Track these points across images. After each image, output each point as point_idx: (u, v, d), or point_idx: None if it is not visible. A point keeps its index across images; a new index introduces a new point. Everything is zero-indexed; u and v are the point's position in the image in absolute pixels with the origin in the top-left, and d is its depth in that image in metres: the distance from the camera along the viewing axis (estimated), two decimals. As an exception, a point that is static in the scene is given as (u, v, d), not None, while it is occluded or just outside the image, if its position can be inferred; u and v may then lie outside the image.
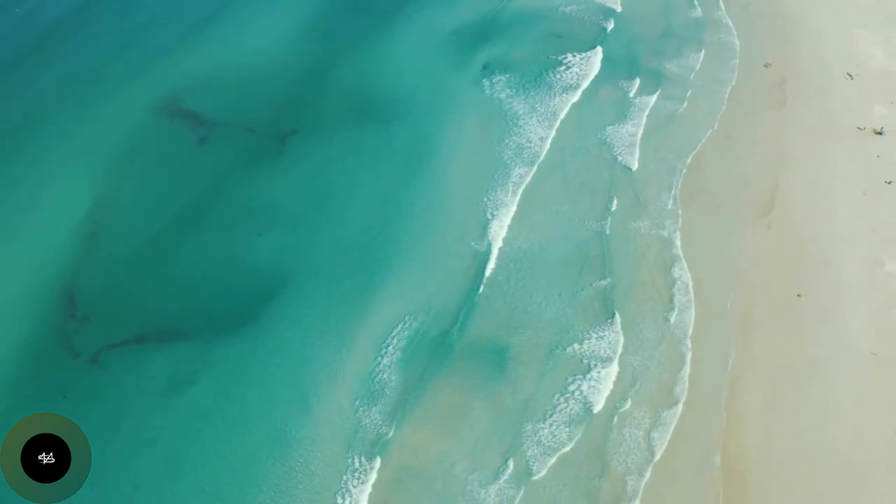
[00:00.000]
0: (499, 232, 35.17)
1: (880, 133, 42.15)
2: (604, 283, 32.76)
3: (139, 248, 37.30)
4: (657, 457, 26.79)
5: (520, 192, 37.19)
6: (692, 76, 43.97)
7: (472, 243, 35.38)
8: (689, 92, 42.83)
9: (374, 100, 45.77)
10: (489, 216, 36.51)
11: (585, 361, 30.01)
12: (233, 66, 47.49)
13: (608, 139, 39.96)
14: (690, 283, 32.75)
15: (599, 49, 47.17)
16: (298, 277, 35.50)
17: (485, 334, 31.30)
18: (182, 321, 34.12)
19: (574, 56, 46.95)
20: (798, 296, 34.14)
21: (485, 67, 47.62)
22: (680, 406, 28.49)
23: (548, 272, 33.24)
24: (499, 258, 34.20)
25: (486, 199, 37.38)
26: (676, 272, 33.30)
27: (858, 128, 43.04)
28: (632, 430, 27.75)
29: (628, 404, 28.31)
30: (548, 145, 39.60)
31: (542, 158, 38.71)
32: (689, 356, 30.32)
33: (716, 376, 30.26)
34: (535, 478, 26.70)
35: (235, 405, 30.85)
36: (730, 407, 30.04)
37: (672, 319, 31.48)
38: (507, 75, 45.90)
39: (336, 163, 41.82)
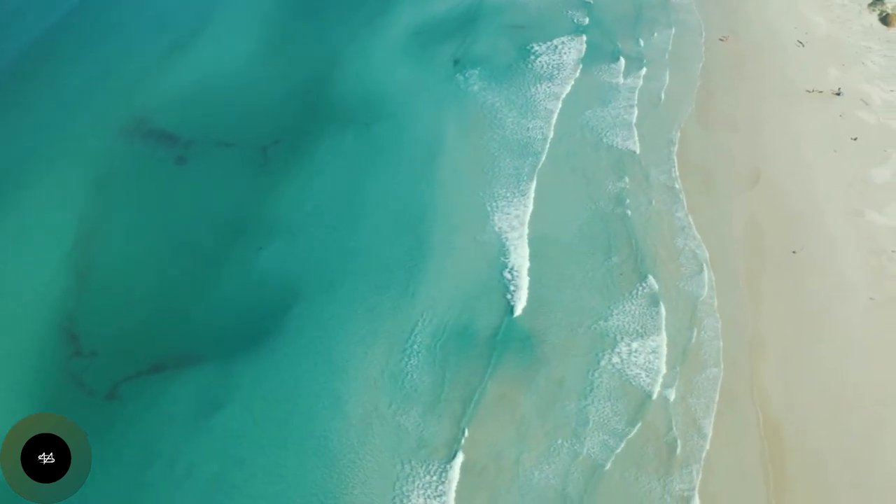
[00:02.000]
0: (520, 223, 35.41)
1: (838, 94, 44.72)
2: (635, 260, 33.74)
3: (134, 275, 35.93)
4: (712, 418, 28.00)
5: (533, 181, 37.58)
6: (666, 56, 45.69)
7: (491, 236, 35.50)
8: (667, 72, 44.60)
9: (350, 104, 45.33)
10: (502, 209, 36.69)
11: (636, 335, 31.01)
12: (198, 82, 46.18)
13: (605, 124, 40.95)
14: (707, 254, 34.35)
15: (583, 37, 48.05)
16: (310, 287, 34.84)
17: (521, 325, 31.61)
18: (197, 345, 33.02)
19: (542, 45, 47.76)
20: (793, 252, 35.92)
21: (456, 63, 47.89)
22: (720, 368, 29.87)
23: (579, 257, 33.94)
24: (524, 248, 34.55)
25: (494, 193, 37.55)
26: (692, 244, 34.76)
27: (807, 90, 45.55)
28: (688, 392, 29.10)
29: (678, 370, 29.55)
30: (550, 134, 40.15)
31: (547, 147, 39.26)
32: (718, 323, 31.77)
33: (738, 336, 31.65)
34: (607, 467, 27.21)
35: (270, 423, 30.07)
36: (755, 364, 31.34)
37: (696, 288, 32.89)
38: (481, 69, 46.15)
39: (325, 169, 41.21)
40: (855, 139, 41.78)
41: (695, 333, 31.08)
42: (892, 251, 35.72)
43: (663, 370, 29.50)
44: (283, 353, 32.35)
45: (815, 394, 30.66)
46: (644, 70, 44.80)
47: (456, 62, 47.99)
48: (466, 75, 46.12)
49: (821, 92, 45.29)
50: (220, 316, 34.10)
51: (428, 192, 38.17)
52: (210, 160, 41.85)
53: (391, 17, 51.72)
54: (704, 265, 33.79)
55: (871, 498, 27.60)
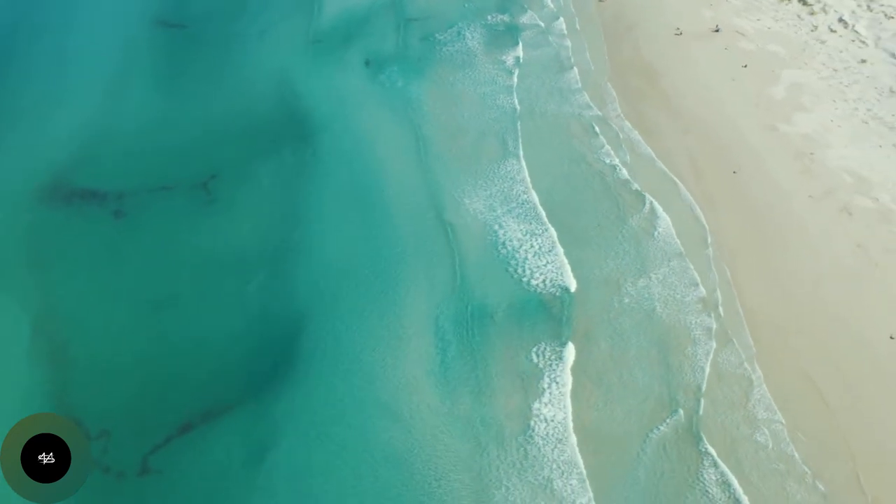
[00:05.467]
0: (525, 192, 36.52)
1: (717, 30, 49.78)
2: (642, 203, 36.82)
3: (118, 342, 33.10)
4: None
5: (522, 162, 38.67)
6: (577, 24, 48.95)
7: (495, 217, 36.37)
8: (585, 42, 47.81)
9: (277, 124, 44.08)
10: (498, 191, 37.62)
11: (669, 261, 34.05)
12: (108, 133, 42.92)
13: (558, 93, 43.22)
14: (681, 181, 38.08)
15: (490, 17, 49.89)
16: (312, 306, 33.92)
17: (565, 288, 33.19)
18: (219, 394, 31.14)
19: (446, 33, 49.07)
20: (734, 172, 39.90)
21: (368, 64, 47.81)
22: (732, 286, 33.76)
23: (594, 212, 36.08)
24: (541, 220, 35.96)
25: (478, 180, 38.27)
26: (667, 178, 38.55)
27: (675, 34, 50.34)
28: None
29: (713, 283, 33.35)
30: (516, 111, 41.76)
31: (519, 123, 40.83)
32: (712, 241, 35.51)
33: (717, 253, 35.35)
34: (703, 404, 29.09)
35: (327, 448, 29.14)
36: (733, 272, 34.83)
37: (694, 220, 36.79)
38: (399, 66, 46.59)
39: (276, 190, 39.91)
40: (745, 66, 46.80)
41: (711, 251, 34.65)
42: (811, 153, 40.67)
43: (703, 292, 32.61)
44: (313, 377, 31.38)
45: (786, 285, 34.32)
46: (568, 41, 47.62)
47: (367, 63, 48.03)
48: (387, 74, 46.31)
49: (680, 34, 50.15)
50: (231, 358, 32.32)
51: (393, 190, 38.25)
52: (151, 208, 39.12)
53: (286, 30, 50.75)
54: (689, 199, 37.51)
55: (857, 349, 31.49)
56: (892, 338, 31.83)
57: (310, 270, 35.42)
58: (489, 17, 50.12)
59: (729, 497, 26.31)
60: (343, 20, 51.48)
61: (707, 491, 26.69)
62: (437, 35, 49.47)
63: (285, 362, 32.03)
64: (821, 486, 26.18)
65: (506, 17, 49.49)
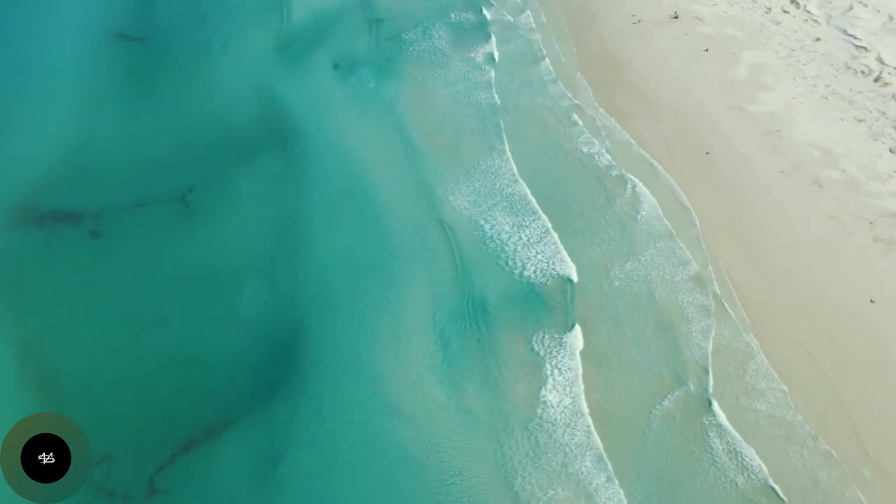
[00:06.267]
0: (512, 179, 36.90)
1: (676, 17, 51.08)
2: (625, 186, 37.63)
3: (111, 365, 32.24)
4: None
5: (507, 154, 38.95)
6: (543, 18, 49.65)
7: (484, 211, 36.66)
8: (552, 35, 48.51)
9: (251, 130, 43.47)
10: (488, 181, 37.92)
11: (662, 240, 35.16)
12: (78, 151, 41.61)
13: (534, 86, 43.88)
14: (659, 164, 38.99)
15: (452, 15, 50.28)
16: (308, 312, 33.63)
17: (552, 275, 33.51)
18: (221, 409, 30.66)
19: (417, 32, 49.14)
20: (707, 154, 41.03)
21: (336, 67, 47.62)
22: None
23: (583, 201, 36.70)
24: (534, 211, 36.37)
25: (461, 174, 38.42)
26: (646, 162, 39.57)
27: (633, 22, 51.59)
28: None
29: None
30: (496, 102, 42.20)
31: (500, 116, 41.18)
32: (697, 221, 36.49)
33: (702, 231, 36.35)
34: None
35: (339, 452, 28.99)
36: (717, 249, 35.81)
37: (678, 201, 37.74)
38: (368, 67, 46.47)
39: (257, 198, 39.33)
40: (706, 50, 48.13)
41: (697, 230, 35.68)
42: (778, 130, 42.08)
43: (694, 269, 33.42)
44: (316, 383, 31.09)
45: (768, 259, 35.44)
46: (537, 34, 48.15)
47: (336, 66, 47.79)
48: (357, 76, 46.15)
49: (638, 22, 51.38)
50: (229, 370, 31.84)
51: (387, 185, 38.19)
52: (129, 225, 38.17)
53: (250, 37, 50.11)
54: (670, 181, 38.58)
55: (842, 315, 32.79)
56: (872, 301, 33.35)
57: (302, 275, 35.08)
58: (459, 14, 50.37)
59: (738, 464, 27.23)
60: (310, 24, 51.04)
61: (716, 460, 27.53)
62: (408, 34, 49.39)
63: (286, 370, 31.70)
64: (825, 447, 27.34)
65: (475, 13, 49.82)
